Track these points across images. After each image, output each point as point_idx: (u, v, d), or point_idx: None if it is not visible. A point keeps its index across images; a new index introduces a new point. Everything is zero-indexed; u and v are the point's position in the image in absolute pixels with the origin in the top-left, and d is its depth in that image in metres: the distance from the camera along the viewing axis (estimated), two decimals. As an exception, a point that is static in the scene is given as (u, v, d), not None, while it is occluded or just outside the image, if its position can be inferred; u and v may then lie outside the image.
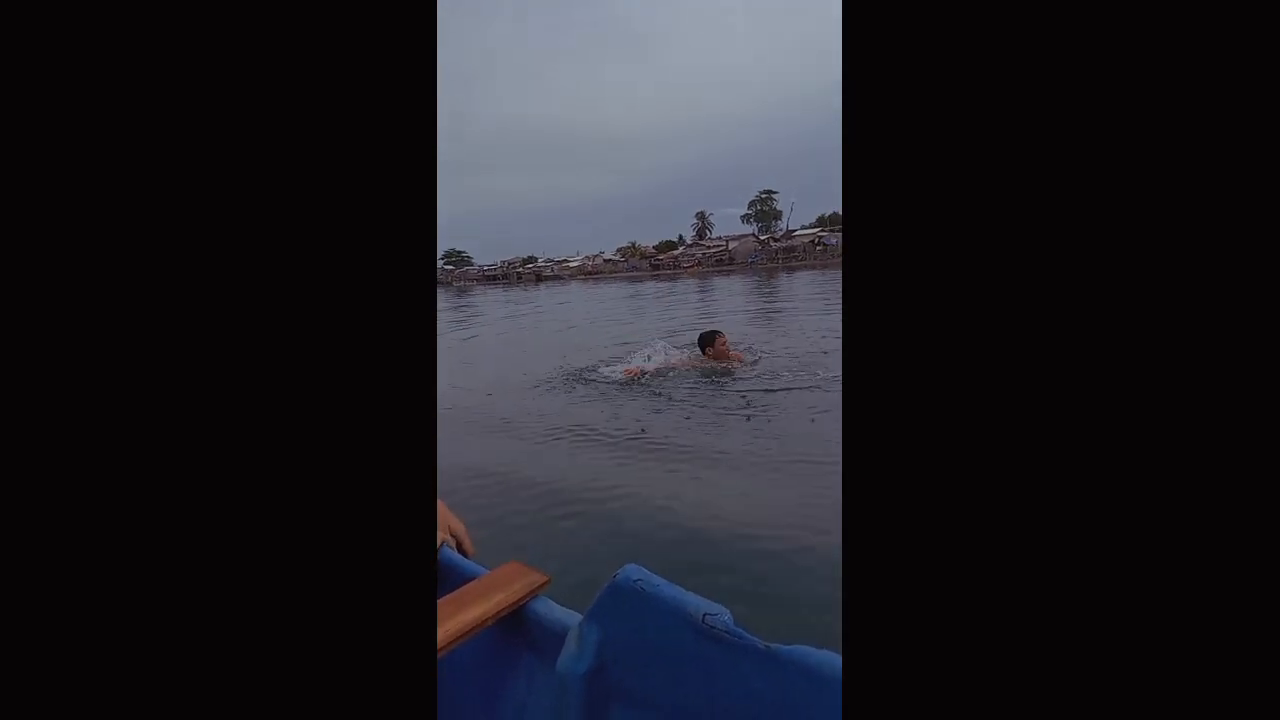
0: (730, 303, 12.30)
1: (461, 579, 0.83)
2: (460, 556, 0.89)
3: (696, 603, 0.55)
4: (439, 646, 0.65)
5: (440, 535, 0.93)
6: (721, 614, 0.53)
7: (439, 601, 0.73)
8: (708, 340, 4.41)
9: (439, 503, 1.04)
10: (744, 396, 3.47)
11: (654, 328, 7.83)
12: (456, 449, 2.94)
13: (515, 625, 0.74)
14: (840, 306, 0.36)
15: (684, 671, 0.56)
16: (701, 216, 66.92)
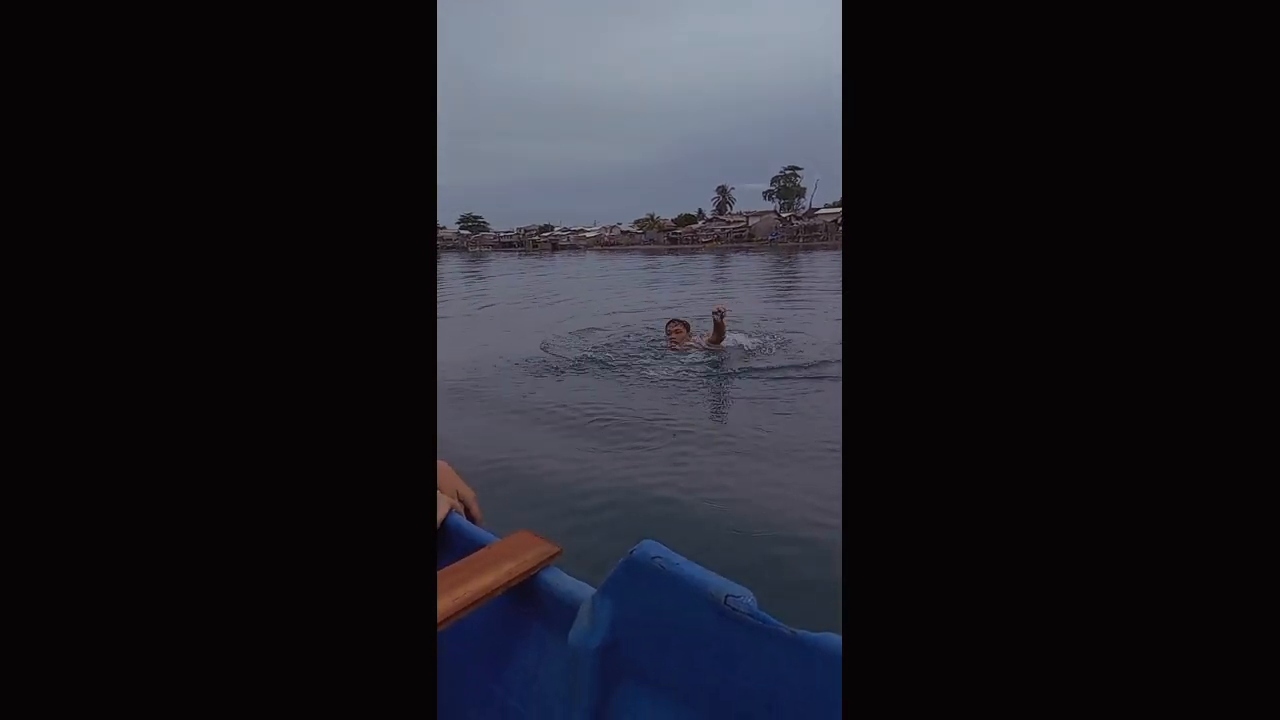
0: (735, 284, 12.28)
1: (470, 546, 0.81)
2: (469, 523, 0.87)
3: (718, 583, 0.52)
4: (446, 614, 0.63)
5: (450, 501, 0.91)
6: (744, 596, 0.51)
7: (447, 569, 0.71)
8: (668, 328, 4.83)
9: (448, 468, 1.03)
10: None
11: (657, 302, 7.94)
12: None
13: (525, 595, 0.73)
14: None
15: (702, 652, 0.54)
16: (723, 191, 65.84)
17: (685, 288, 11.36)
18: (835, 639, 0.46)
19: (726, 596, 0.51)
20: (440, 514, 0.87)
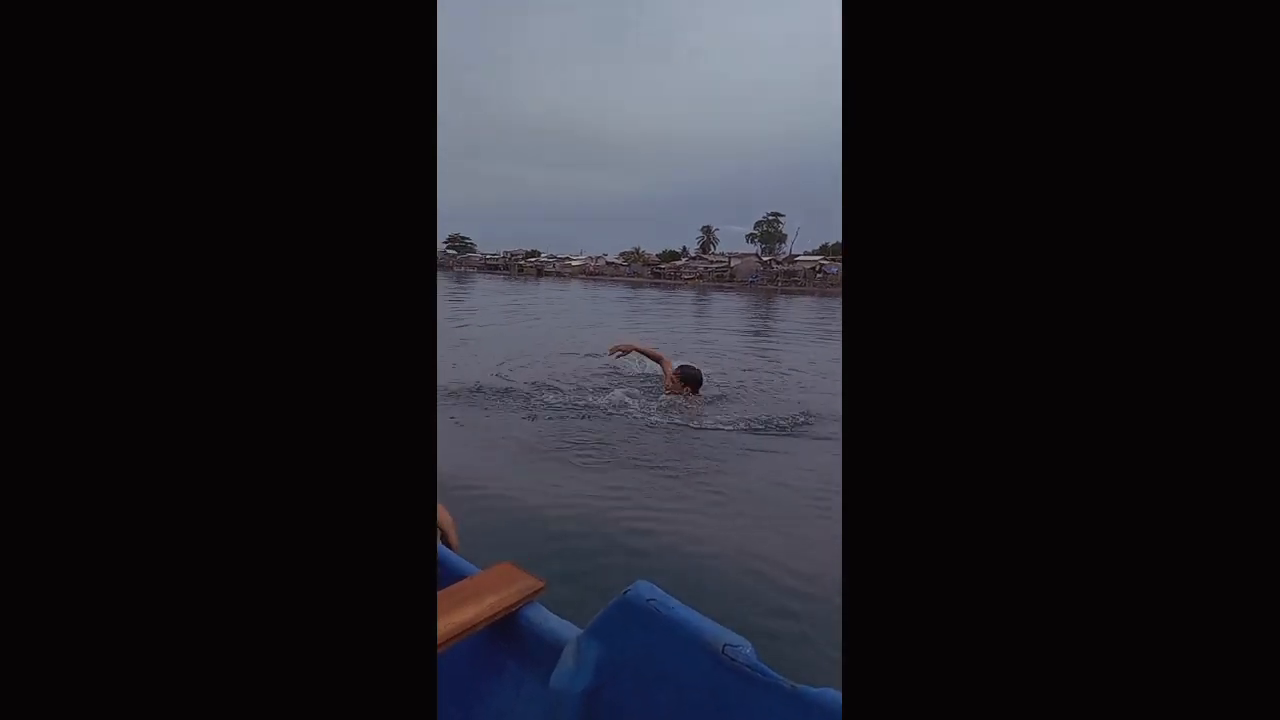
0: (712, 320, 12.22)
1: (451, 577, 0.79)
2: (450, 552, 0.84)
3: (715, 631, 0.51)
4: None
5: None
6: (743, 646, 0.49)
7: None
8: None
9: None
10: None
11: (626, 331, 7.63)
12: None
13: (505, 631, 0.70)
14: (839, 335, 0.35)
15: (695, 702, 0.52)
16: (707, 230, 67.02)
17: (665, 320, 11.39)
18: (836, 695, 0.45)
19: (725, 646, 0.49)
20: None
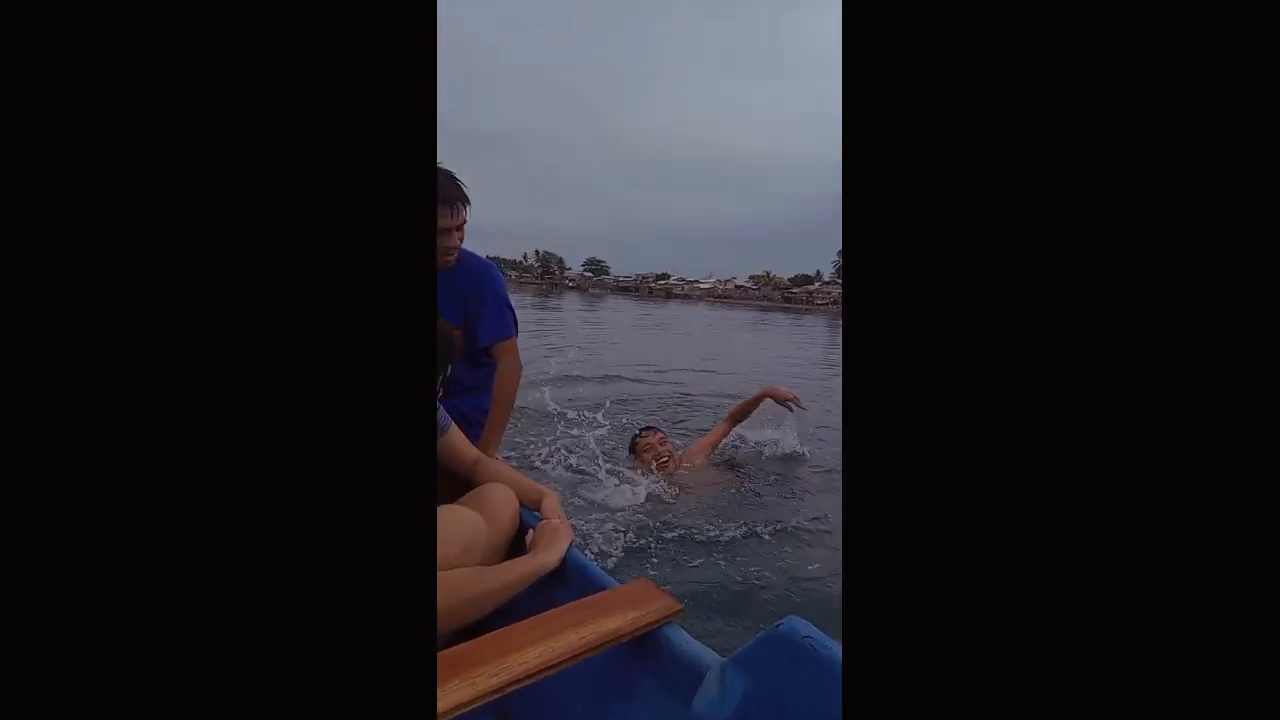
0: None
1: (589, 586, 0.79)
2: (590, 562, 0.85)
3: None
4: (565, 654, 0.60)
5: (569, 535, 0.89)
6: None
7: (568, 606, 0.69)
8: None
9: (521, 478, 1.04)
10: None
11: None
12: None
13: (642, 649, 0.68)
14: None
15: None
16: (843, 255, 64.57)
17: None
18: None
19: None
20: (561, 546, 0.86)
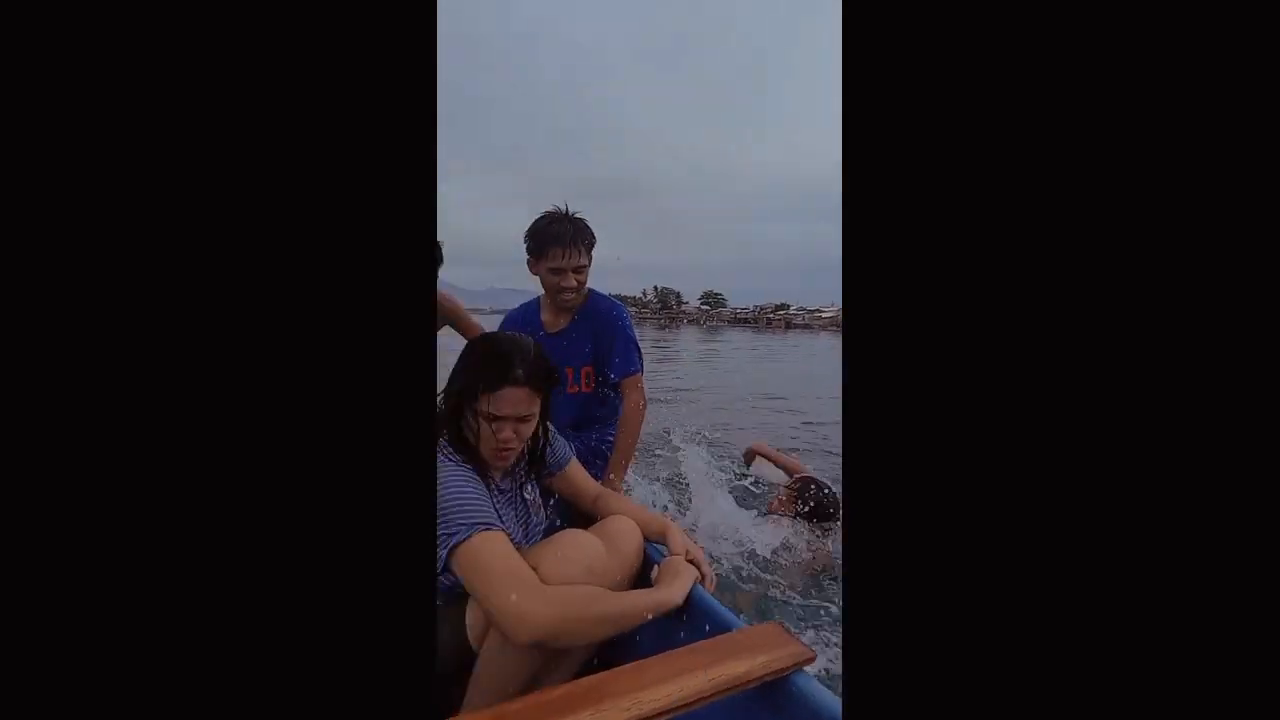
0: None
1: (716, 626, 0.78)
2: (716, 602, 0.84)
3: None
4: (694, 695, 0.60)
5: (693, 573, 0.88)
6: None
7: (694, 645, 0.69)
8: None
9: (675, 527, 0.99)
10: None
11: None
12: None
13: (773, 695, 0.66)
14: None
15: None
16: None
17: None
18: None
19: None
20: (685, 583, 0.85)
